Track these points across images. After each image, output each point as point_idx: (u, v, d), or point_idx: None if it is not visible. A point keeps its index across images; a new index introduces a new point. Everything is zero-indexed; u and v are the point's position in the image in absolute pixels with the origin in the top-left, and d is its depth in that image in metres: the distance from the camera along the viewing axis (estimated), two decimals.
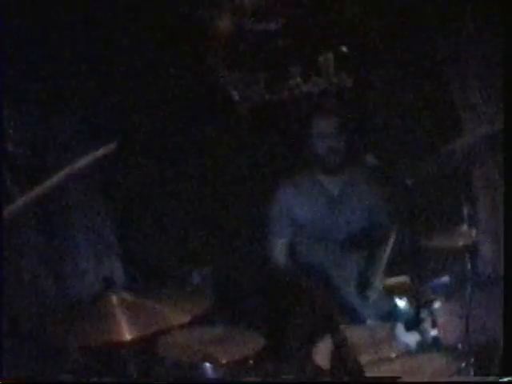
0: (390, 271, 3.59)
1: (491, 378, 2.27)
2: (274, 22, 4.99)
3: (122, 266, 4.04)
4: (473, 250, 3.20)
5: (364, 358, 2.50)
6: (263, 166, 4.44)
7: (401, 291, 3.21)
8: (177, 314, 2.67)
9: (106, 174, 3.99)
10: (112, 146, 2.00)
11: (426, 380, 2.49)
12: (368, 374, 2.20)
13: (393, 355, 2.76)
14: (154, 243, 4.30)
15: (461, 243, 3.20)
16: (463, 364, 2.50)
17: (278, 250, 3.78)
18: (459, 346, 2.77)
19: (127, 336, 2.51)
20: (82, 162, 1.86)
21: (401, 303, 3.16)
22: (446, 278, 3.25)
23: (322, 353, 2.71)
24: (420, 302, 3.00)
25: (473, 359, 2.53)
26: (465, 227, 3.24)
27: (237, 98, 4.93)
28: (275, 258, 3.79)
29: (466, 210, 3.24)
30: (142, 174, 4.31)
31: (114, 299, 2.67)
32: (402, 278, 3.33)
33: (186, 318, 2.67)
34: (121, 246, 4.16)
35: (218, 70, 4.90)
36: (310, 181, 3.83)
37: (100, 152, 1.95)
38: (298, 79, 5.06)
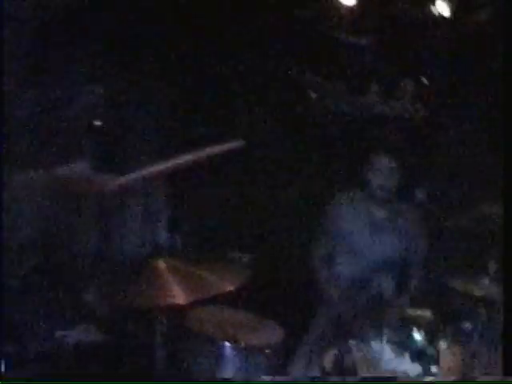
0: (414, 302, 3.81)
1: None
2: (365, 37, 5.20)
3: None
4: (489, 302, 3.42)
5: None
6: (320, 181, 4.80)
7: (420, 323, 3.41)
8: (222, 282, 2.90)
9: None
10: None
11: None
12: None
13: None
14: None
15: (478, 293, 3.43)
16: None
17: (318, 259, 4.10)
18: None
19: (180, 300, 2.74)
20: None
21: (417, 335, 3.36)
22: (465, 324, 3.45)
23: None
24: (435, 339, 3.23)
25: None
26: (486, 280, 3.47)
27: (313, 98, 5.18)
28: (314, 266, 4.10)
29: (491, 265, 3.45)
30: None
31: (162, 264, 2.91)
32: (425, 312, 3.52)
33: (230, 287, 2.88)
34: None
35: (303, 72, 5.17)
36: (359, 205, 4.09)
37: None
38: (376, 97, 5.26)
